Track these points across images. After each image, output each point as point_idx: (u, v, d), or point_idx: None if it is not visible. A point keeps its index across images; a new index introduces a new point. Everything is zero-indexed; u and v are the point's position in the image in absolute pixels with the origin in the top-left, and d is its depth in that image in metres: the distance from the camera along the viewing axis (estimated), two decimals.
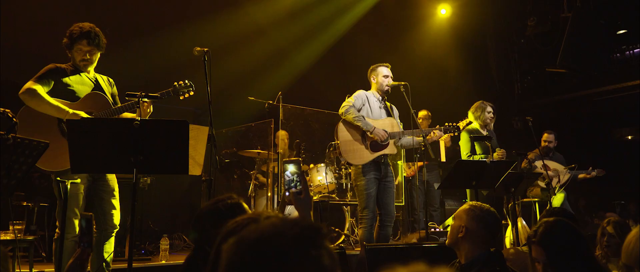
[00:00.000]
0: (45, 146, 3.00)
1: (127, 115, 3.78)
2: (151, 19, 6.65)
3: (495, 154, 5.77)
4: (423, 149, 4.99)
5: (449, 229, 7.25)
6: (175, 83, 3.84)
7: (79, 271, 2.37)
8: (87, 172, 3.47)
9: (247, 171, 6.82)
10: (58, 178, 3.31)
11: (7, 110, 2.89)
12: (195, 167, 3.36)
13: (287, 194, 2.31)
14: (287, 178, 2.33)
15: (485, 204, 2.81)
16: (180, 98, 3.87)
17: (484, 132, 6.03)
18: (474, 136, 5.80)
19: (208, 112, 3.69)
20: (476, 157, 5.90)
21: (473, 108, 6.11)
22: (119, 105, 3.75)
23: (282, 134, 6.56)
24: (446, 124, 5.13)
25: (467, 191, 6.23)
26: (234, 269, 1.00)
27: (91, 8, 6.01)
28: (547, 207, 6.12)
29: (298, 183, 2.33)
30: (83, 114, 3.53)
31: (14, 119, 2.80)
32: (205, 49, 3.77)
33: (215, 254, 1.40)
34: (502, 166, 4.52)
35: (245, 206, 2.16)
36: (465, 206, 2.86)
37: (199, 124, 3.39)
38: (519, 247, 3.50)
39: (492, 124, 6.18)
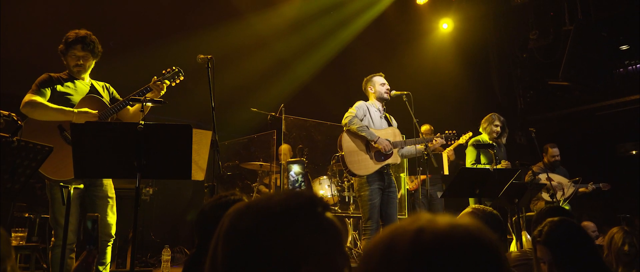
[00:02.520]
0: (49, 149, 3.01)
1: (132, 113, 3.78)
2: (153, 30, 6.68)
3: (498, 165, 5.80)
4: (426, 158, 4.99)
5: None
6: (164, 70, 3.83)
7: None
8: (90, 177, 3.47)
9: (250, 183, 6.81)
10: (61, 183, 3.30)
11: (12, 113, 2.90)
12: (198, 172, 3.35)
13: None
14: (292, 178, 2.33)
15: (487, 207, 2.79)
16: (173, 84, 3.85)
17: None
18: (476, 144, 5.86)
19: (211, 123, 3.70)
20: (480, 167, 5.94)
21: (484, 120, 6.25)
22: (117, 102, 3.76)
23: (284, 148, 6.55)
24: (446, 132, 5.15)
25: (471, 200, 6.24)
26: (244, 235, 1.00)
27: (92, 19, 6.05)
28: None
29: (302, 183, 2.33)
30: (90, 111, 3.55)
31: (19, 122, 2.80)
32: (209, 56, 3.80)
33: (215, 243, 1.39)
34: (506, 174, 4.51)
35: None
36: (467, 209, 2.83)
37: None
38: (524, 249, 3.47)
39: (504, 139, 6.26)
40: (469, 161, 6.15)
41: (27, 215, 5.36)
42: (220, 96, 4.22)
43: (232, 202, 2.10)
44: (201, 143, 3.31)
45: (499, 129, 6.17)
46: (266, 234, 0.98)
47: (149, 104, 3.34)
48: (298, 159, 2.93)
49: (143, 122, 2.92)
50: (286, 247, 0.97)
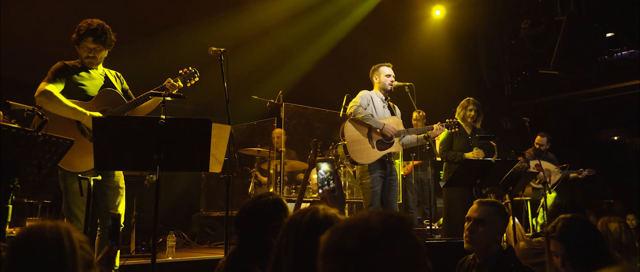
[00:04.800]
0: (70, 143, 3.03)
1: (143, 106, 3.80)
2: (156, 20, 6.61)
3: (469, 154, 5.95)
4: (428, 148, 5.12)
5: (441, 225, 7.33)
6: (180, 71, 3.87)
7: (105, 269, 2.41)
8: (110, 169, 3.51)
9: (248, 169, 6.89)
10: (79, 175, 3.33)
11: (35, 107, 2.92)
12: (216, 165, 3.42)
13: (320, 191, 2.39)
14: (321, 177, 2.40)
15: (497, 200, 2.93)
16: (188, 85, 3.90)
17: (468, 129, 6.19)
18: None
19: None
20: (451, 153, 6.06)
21: (459, 105, 6.33)
22: (133, 99, 3.77)
23: (277, 132, 6.65)
24: (447, 120, 5.28)
25: (444, 190, 6.38)
26: (349, 255, 1.08)
27: (90, 8, 5.97)
28: (542, 202, 6.34)
29: (331, 181, 2.40)
30: (101, 116, 3.56)
31: (44, 117, 2.82)
32: (222, 49, 3.82)
33: (296, 244, 1.49)
34: (506, 165, 4.67)
35: (285, 201, 2.26)
36: (488, 208, 2.84)
37: None
38: (532, 239, 3.62)
39: (479, 123, 6.33)
40: (441, 148, 6.21)
41: (26, 201, 5.35)
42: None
43: (271, 202, 2.19)
44: (220, 137, 3.37)
45: (473, 113, 6.20)
46: (370, 252, 1.07)
47: (168, 98, 3.37)
48: (328, 157, 2.96)
49: (164, 117, 2.96)
50: (387, 264, 1.06)
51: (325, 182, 2.40)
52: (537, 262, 3.13)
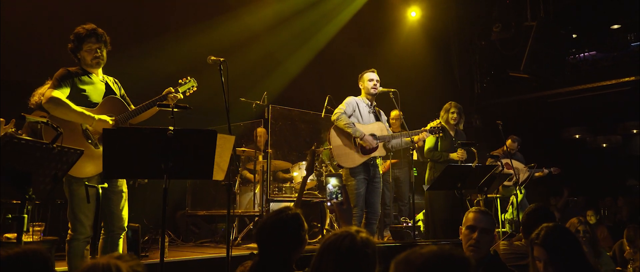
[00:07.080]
0: (80, 152, 3.14)
1: (145, 115, 3.91)
2: (146, 26, 6.60)
3: (454, 154, 6.28)
4: (412, 150, 5.38)
5: (420, 223, 7.60)
6: (180, 80, 3.98)
7: None
8: (119, 177, 3.61)
9: (233, 169, 7.01)
10: (86, 182, 3.43)
11: (49, 120, 3.00)
12: (219, 173, 3.56)
13: (329, 204, 2.59)
14: (329, 190, 2.61)
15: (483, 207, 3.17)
16: (187, 94, 4.02)
17: (452, 131, 6.51)
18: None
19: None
20: (437, 153, 6.38)
21: (442, 109, 6.63)
22: (133, 108, 3.88)
23: (260, 131, 6.82)
24: (431, 125, 5.55)
25: (426, 193, 6.68)
26: None
27: (80, 16, 5.96)
28: (513, 200, 6.69)
29: (339, 195, 2.61)
30: (108, 119, 3.65)
31: (59, 129, 2.92)
32: (221, 59, 3.94)
33: (335, 265, 1.68)
34: (484, 170, 4.96)
35: (302, 216, 2.45)
36: (489, 217, 3.06)
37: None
38: (513, 242, 3.89)
39: (461, 125, 6.67)
40: (427, 147, 6.52)
41: (14, 202, 5.34)
42: (213, 87, 4.35)
43: (291, 217, 2.38)
44: (224, 146, 3.51)
45: (455, 115, 6.54)
46: None
47: (175, 109, 3.49)
48: (336, 172, 3.11)
49: (172, 128, 3.09)
50: None
51: (334, 196, 2.61)
52: (520, 265, 3.39)
